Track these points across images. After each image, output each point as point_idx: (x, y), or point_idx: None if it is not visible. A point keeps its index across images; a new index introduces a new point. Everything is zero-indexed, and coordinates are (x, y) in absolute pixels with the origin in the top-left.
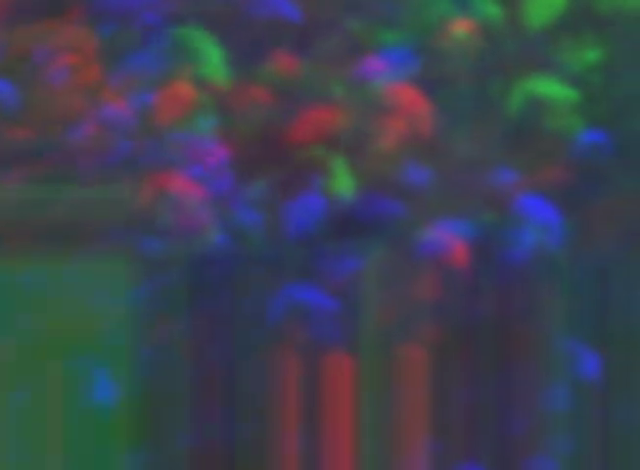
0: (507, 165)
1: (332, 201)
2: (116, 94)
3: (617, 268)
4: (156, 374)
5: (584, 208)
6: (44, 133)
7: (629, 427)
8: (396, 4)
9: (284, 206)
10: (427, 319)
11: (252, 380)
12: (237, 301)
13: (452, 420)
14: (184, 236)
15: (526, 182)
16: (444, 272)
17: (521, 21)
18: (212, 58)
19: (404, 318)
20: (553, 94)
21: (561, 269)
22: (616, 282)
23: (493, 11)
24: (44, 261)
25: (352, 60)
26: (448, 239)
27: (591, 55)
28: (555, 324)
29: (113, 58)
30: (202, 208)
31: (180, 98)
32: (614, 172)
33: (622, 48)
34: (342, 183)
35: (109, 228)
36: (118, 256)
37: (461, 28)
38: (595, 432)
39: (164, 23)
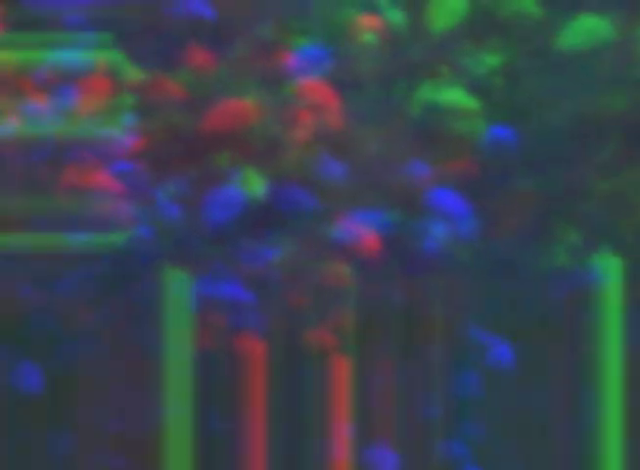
0: (416, 161)
1: (247, 195)
2: (39, 89)
3: (523, 259)
4: (79, 361)
5: (491, 201)
6: None
7: (538, 413)
8: (306, 8)
9: (201, 201)
10: (338, 306)
11: (176, 363)
12: (157, 291)
13: (366, 405)
14: (106, 230)
15: (436, 177)
16: (355, 261)
17: (424, 25)
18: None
19: (316, 305)
20: (454, 100)
21: (469, 260)
22: (523, 272)
23: (398, 16)
24: None
25: (265, 59)
26: (359, 230)
27: (493, 59)
28: (465, 313)
29: (37, 55)
30: (121, 202)
31: (97, 92)
32: (517, 168)
33: (522, 52)
34: (253, 183)
35: (35, 221)
36: (47, 246)
37: (368, 31)
38: (505, 417)
39: (87, 25)
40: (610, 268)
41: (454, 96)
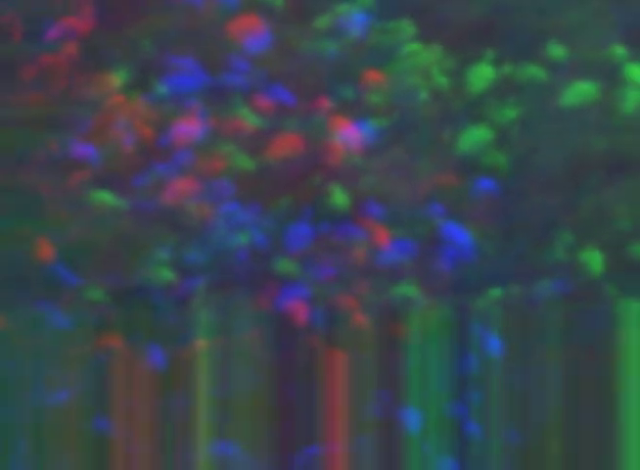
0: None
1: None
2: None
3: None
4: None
5: (512, 211)
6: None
7: (522, 388)
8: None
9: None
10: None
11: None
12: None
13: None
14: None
15: (453, 212)
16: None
17: (464, 87)
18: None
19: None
20: (482, 137)
21: (480, 275)
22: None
23: (444, 80)
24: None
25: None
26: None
27: (511, 112)
28: (470, 316)
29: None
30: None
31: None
32: (530, 189)
33: (533, 107)
34: (339, 198)
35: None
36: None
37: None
38: (497, 390)
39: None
40: (594, 263)
41: (482, 134)
